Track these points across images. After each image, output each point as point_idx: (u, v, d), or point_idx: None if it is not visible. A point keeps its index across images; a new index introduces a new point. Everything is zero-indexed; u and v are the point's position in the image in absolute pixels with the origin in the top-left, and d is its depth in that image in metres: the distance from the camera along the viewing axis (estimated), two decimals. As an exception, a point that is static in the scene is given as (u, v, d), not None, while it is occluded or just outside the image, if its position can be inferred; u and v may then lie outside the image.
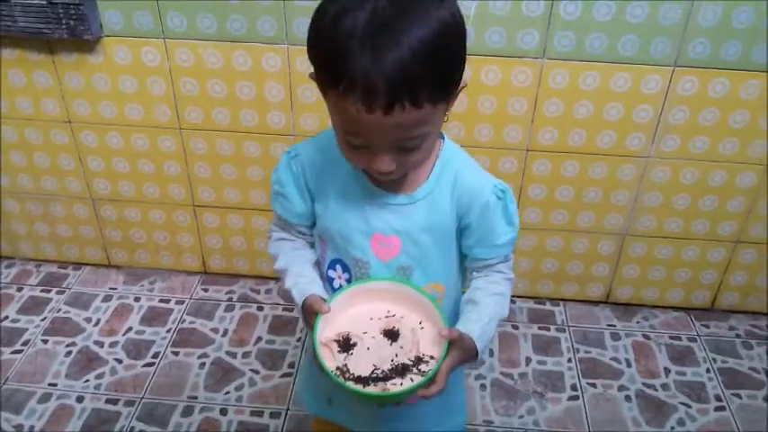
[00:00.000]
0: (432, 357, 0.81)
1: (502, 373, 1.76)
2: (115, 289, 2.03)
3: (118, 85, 1.72)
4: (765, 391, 1.74)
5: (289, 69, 1.65)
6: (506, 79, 1.61)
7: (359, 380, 0.79)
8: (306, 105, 1.70)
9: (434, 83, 0.73)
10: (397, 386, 0.79)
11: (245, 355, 1.80)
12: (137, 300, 1.99)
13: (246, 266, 2.06)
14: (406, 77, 0.70)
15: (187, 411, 1.63)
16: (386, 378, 0.79)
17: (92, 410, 1.63)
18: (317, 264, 0.98)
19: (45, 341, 1.83)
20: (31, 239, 2.08)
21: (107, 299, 1.99)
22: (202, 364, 1.76)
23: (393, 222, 0.89)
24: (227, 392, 1.68)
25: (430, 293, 0.89)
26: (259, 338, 1.85)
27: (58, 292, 2.01)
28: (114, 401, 1.65)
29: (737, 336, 1.92)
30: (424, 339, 0.83)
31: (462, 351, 0.84)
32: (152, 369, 1.75)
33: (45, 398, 1.66)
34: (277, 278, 2.05)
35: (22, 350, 1.80)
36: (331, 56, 0.73)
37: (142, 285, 2.05)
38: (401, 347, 0.83)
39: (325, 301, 0.87)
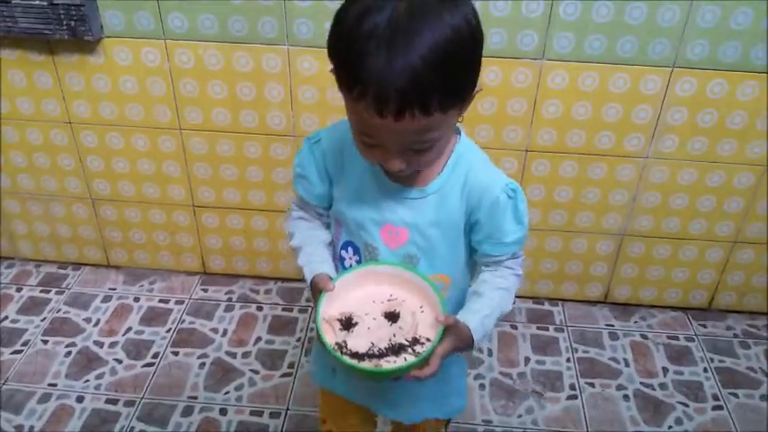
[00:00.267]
0: (428, 340, 0.83)
1: (501, 373, 1.77)
2: (115, 289, 2.03)
3: (118, 85, 1.73)
4: (762, 390, 1.75)
5: (289, 70, 1.65)
6: (506, 80, 1.62)
7: (355, 355, 0.82)
8: (306, 106, 1.71)
9: (445, 91, 0.73)
10: (390, 364, 0.82)
11: (245, 355, 1.80)
12: (136, 300, 1.99)
13: (246, 267, 2.06)
14: (416, 87, 0.71)
15: (187, 411, 1.63)
16: (381, 355, 0.82)
17: (92, 410, 1.63)
18: (331, 244, 1.01)
19: (45, 341, 1.83)
20: (30, 240, 2.08)
21: (107, 299, 1.99)
22: (202, 365, 1.77)
23: (404, 215, 0.92)
24: (227, 392, 1.69)
25: (438, 282, 0.91)
26: (258, 338, 1.86)
27: (57, 293, 2.01)
28: (114, 401, 1.65)
29: (735, 335, 1.93)
30: (423, 323, 0.86)
31: (458, 338, 0.86)
32: (152, 369, 1.75)
33: (45, 398, 1.66)
34: (276, 278, 2.06)
35: (21, 350, 1.80)
36: (347, 61, 0.74)
37: (142, 285, 2.05)
38: (400, 328, 0.86)
39: (331, 279, 0.89)
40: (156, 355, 1.79)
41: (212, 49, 1.64)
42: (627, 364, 1.81)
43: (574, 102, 1.64)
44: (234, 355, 1.80)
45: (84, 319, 1.91)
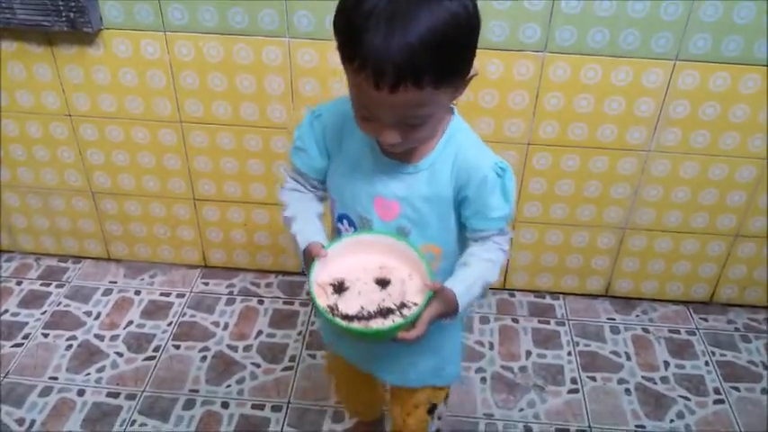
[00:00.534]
0: (415, 304, 0.88)
1: (502, 367, 1.77)
2: (115, 282, 2.03)
3: (118, 78, 1.72)
4: (763, 384, 1.75)
5: (290, 63, 1.65)
6: (508, 73, 1.61)
7: (346, 317, 0.87)
8: (307, 99, 1.70)
9: (438, 70, 0.78)
10: (378, 325, 0.87)
11: (246, 348, 1.80)
12: (137, 293, 1.99)
13: (246, 260, 2.06)
14: (411, 63, 0.75)
15: (188, 405, 1.63)
16: (370, 318, 0.87)
17: (93, 404, 1.63)
18: (322, 216, 1.05)
19: (45, 335, 1.83)
20: (30, 233, 2.08)
21: (107, 292, 1.99)
22: (203, 358, 1.77)
23: (396, 189, 0.96)
24: (229, 386, 1.69)
25: (425, 253, 0.95)
26: (260, 332, 1.85)
27: (57, 286, 2.01)
28: (115, 395, 1.65)
29: (736, 329, 1.93)
30: (411, 289, 0.91)
31: (444, 303, 0.91)
32: (153, 362, 1.75)
33: (46, 391, 1.66)
34: (277, 272, 2.06)
35: (22, 344, 1.80)
36: (349, 35, 0.79)
37: (142, 279, 2.05)
38: (389, 294, 0.91)
39: (324, 247, 0.93)
40: (157, 349, 1.79)
41: (212, 41, 1.64)
42: (628, 358, 1.81)
43: (576, 95, 1.64)
44: (235, 349, 1.80)
45: (84, 313, 1.91)
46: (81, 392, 1.66)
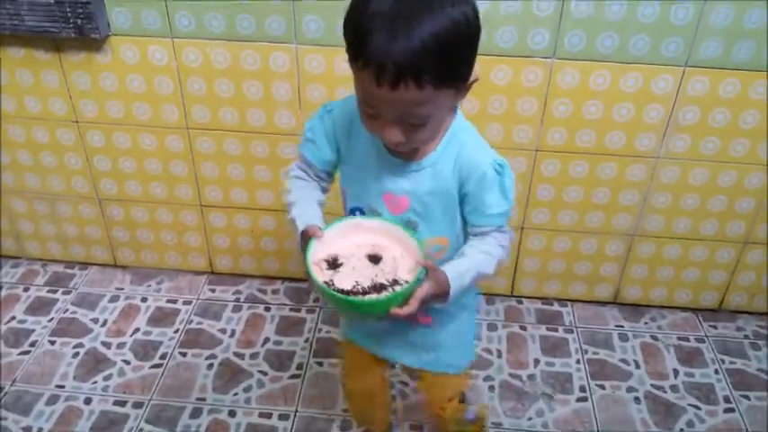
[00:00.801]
0: (406, 282, 0.92)
1: (510, 375, 1.75)
2: (122, 289, 2.03)
3: (125, 84, 1.72)
4: (774, 392, 1.74)
5: (297, 69, 1.64)
6: (516, 79, 1.60)
7: (341, 292, 0.90)
8: (314, 105, 1.69)
9: (438, 71, 0.82)
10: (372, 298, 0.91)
11: (253, 356, 1.79)
12: (144, 300, 1.98)
13: (253, 266, 2.05)
14: (412, 63, 0.80)
15: (196, 413, 1.62)
16: (364, 293, 0.91)
17: (100, 412, 1.62)
18: (323, 204, 1.09)
19: (52, 342, 1.82)
20: (37, 239, 2.07)
21: (114, 299, 1.99)
22: (210, 365, 1.76)
23: (403, 185, 1.01)
24: (236, 394, 1.68)
25: (434, 245, 1.03)
26: (267, 339, 1.85)
27: (64, 293, 2.01)
28: (122, 403, 1.65)
29: (745, 336, 1.91)
30: (403, 267, 0.95)
31: (435, 283, 0.94)
32: (160, 370, 1.74)
33: (53, 399, 1.65)
34: (283, 278, 2.06)
35: (29, 351, 1.79)
36: (355, 35, 0.83)
37: (149, 285, 2.04)
38: (381, 270, 0.95)
39: (321, 229, 0.97)
40: (164, 356, 1.79)
41: (219, 47, 1.63)
42: (637, 366, 1.80)
43: (584, 101, 1.63)
44: (242, 356, 1.79)
45: (91, 320, 1.90)
46: (88, 400, 1.65)
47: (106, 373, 1.73)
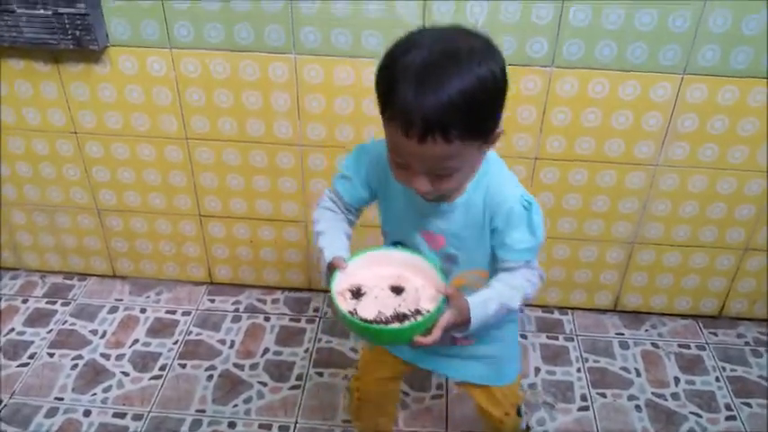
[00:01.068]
0: (428, 311, 0.93)
1: (511, 383, 1.75)
2: (121, 300, 2.02)
3: (124, 95, 1.72)
4: (776, 399, 1.73)
5: (296, 79, 1.64)
6: (515, 88, 1.60)
7: (364, 321, 0.92)
8: (313, 115, 1.69)
9: (465, 127, 0.85)
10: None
11: (253, 366, 1.78)
12: (143, 311, 1.98)
13: (253, 276, 2.05)
14: (439, 119, 0.83)
15: (195, 425, 1.61)
16: (387, 322, 0.93)
17: (99, 425, 1.61)
18: (349, 237, 1.12)
19: (51, 354, 1.81)
20: (36, 250, 2.07)
21: (113, 310, 1.98)
22: (210, 377, 1.75)
23: (438, 224, 1.04)
24: (236, 405, 1.67)
25: (474, 278, 1.07)
26: (266, 350, 1.84)
27: (63, 304, 2.00)
28: (122, 415, 1.64)
29: (746, 343, 1.91)
30: (425, 297, 0.96)
31: (457, 311, 0.96)
32: (159, 382, 1.73)
33: (52, 412, 1.64)
34: (283, 288, 2.05)
35: (28, 363, 1.78)
36: (386, 89, 0.87)
37: (148, 296, 2.03)
38: (404, 300, 0.96)
39: (345, 260, 1.00)
40: (163, 368, 1.78)
41: (218, 57, 1.63)
42: (638, 374, 1.79)
43: (583, 109, 1.63)
44: (242, 367, 1.78)
45: (90, 331, 1.90)
46: (87, 413, 1.64)
47: (105, 384, 1.72)
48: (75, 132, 1.80)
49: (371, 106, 1.65)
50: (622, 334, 1.93)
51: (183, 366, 1.78)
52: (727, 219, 1.78)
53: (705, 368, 1.82)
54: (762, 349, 1.89)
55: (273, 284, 2.06)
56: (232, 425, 1.61)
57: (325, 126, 1.71)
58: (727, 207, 1.76)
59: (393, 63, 0.86)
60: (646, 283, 1.93)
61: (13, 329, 1.89)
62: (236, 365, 1.79)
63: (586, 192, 1.76)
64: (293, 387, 1.72)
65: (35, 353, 1.82)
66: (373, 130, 1.68)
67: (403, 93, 0.83)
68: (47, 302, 2.00)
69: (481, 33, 0.89)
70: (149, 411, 1.65)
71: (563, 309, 2.01)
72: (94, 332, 1.89)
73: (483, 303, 0.99)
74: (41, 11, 1.56)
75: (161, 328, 1.91)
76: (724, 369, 1.82)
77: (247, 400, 1.68)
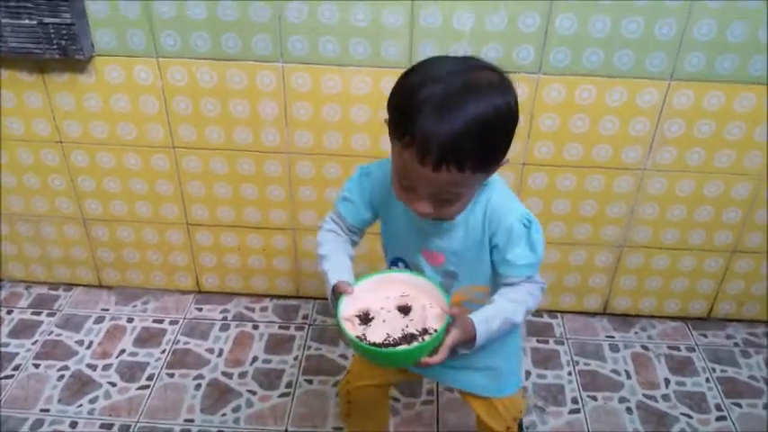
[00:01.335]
0: (435, 330, 0.94)
1: (502, 389, 1.75)
2: (107, 310, 2.00)
3: (110, 104, 1.70)
4: (765, 399, 1.74)
5: (284, 87, 1.64)
6: (502, 94, 1.60)
7: (374, 345, 0.93)
8: (300, 123, 1.69)
9: (478, 156, 0.88)
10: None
11: (242, 375, 1.77)
12: (130, 320, 1.96)
13: (240, 284, 2.03)
14: (456, 147, 0.85)
15: (185, 435, 1.60)
16: (396, 344, 0.93)
17: (87, 436, 1.60)
18: (352, 259, 1.13)
19: (36, 365, 1.79)
20: (20, 261, 2.04)
21: (99, 320, 1.96)
22: (198, 386, 1.74)
23: (437, 241, 1.06)
24: (224, 414, 1.66)
25: (475, 293, 1.08)
26: (255, 358, 1.83)
27: (48, 315, 1.97)
28: (109, 426, 1.62)
29: (735, 344, 1.92)
30: (432, 316, 0.97)
31: (463, 330, 0.97)
32: (147, 392, 1.72)
33: (37, 424, 1.62)
34: (271, 296, 2.04)
35: (12, 375, 1.76)
36: (403, 115, 0.88)
37: (135, 306, 2.02)
38: (411, 320, 0.97)
39: (350, 285, 1.00)
40: (150, 377, 1.76)
41: (205, 66, 1.62)
42: (628, 376, 1.80)
43: (570, 115, 1.63)
44: (230, 376, 1.77)
45: (76, 342, 1.87)
46: (73, 424, 1.62)
47: (92, 395, 1.71)
48: (61, 142, 1.78)
49: (359, 114, 1.65)
50: (612, 337, 1.94)
51: (171, 376, 1.77)
52: (715, 222, 1.80)
53: (695, 369, 1.83)
54: (751, 350, 1.90)
55: (262, 292, 2.05)
56: (222, 435, 1.61)
57: (313, 134, 1.70)
58: (714, 210, 1.78)
59: (411, 93, 0.88)
60: (635, 286, 1.94)
61: (-2, 341, 1.87)
62: (224, 374, 1.77)
63: (575, 196, 1.77)
64: (283, 395, 1.71)
65: (20, 364, 1.79)
66: (360, 137, 1.68)
67: (422, 121, 0.85)
68: (32, 313, 1.98)
69: (496, 67, 0.92)
70: (137, 422, 1.63)
71: (553, 312, 2.02)
72: (80, 343, 1.87)
73: (487, 320, 1.00)
74: (26, 21, 1.54)
75: (148, 338, 1.89)
76: (714, 370, 1.83)
77: (236, 409, 1.67)
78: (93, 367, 1.79)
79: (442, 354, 0.94)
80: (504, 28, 1.52)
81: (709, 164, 1.69)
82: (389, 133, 0.94)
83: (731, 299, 1.95)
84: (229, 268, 2.00)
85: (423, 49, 1.55)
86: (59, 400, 1.69)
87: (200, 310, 2.01)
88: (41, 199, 1.90)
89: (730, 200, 1.75)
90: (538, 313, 2.01)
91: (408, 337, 0.94)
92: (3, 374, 1.76)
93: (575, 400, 1.72)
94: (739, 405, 1.72)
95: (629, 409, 1.70)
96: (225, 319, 1.97)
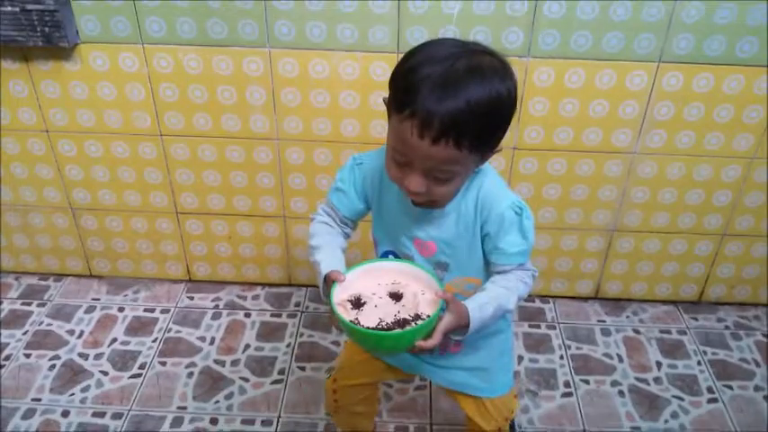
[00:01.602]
0: (428, 316, 0.94)
1: (494, 374, 1.75)
2: (98, 300, 1.99)
3: (96, 92, 1.69)
4: (756, 381, 1.75)
5: (271, 72, 1.62)
6: (492, 78, 1.60)
7: (367, 329, 0.93)
8: (289, 108, 1.68)
9: (476, 134, 0.89)
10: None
11: (234, 363, 1.77)
12: (120, 310, 1.95)
13: (232, 273, 2.03)
14: (456, 123, 0.86)
15: (176, 422, 1.60)
16: (388, 329, 0.94)
17: (78, 425, 1.59)
18: (344, 251, 1.13)
19: (27, 355, 1.79)
20: (9, 251, 2.03)
21: (90, 310, 1.95)
22: (190, 374, 1.74)
23: (429, 231, 1.06)
24: (217, 401, 1.66)
25: (466, 285, 1.08)
26: (247, 346, 1.83)
27: (39, 305, 1.97)
28: (101, 414, 1.62)
29: (726, 327, 1.93)
30: (424, 302, 0.97)
31: (457, 315, 0.97)
32: (139, 380, 1.72)
33: (29, 413, 1.62)
34: (263, 284, 2.04)
35: (3, 365, 1.75)
36: (407, 88, 0.89)
37: (126, 295, 2.01)
38: (403, 306, 0.98)
39: (342, 273, 1.01)
40: (142, 366, 1.76)
41: (192, 52, 1.61)
42: (620, 360, 1.80)
43: (560, 99, 1.63)
44: (223, 364, 1.77)
45: (67, 331, 1.87)
46: (65, 413, 1.62)
47: (84, 384, 1.70)
48: (47, 131, 1.77)
49: (348, 99, 1.63)
50: (604, 321, 1.94)
51: (164, 364, 1.76)
52: (705, 205, 1.79)
53: (686, 352, 1.84)
54: (742, 332, 1.91)
55: (253, 280, 2.04)
56: (214, 421, 1.60)
57: (302, 120, 1.69)
58: (704, 193, 1.77)
59: (414, 69, 0.89)
60: (626, 271, 1.94)
61: (-12, 332, 1.86)
62: (216, 362, 1.77)
63: (565, 181, 1.76)
64: (275, 382, 1.71)
65: (11, 354, 1.79)
66: (350, 122, 1.67)
67: (425, 95, 0.86)
68: (22, 304, 1.97)
69: (498, 53, 0.93)
70: (129, 410, 1.63)
71: (544, 297, 2.02)
72: (71, 332, 1.87)
73: (480, 307, 1.00)
74: (9, 8, 1.52)
75: (140, 327, 1.89)
76: (705, 353, 1.84)
77: (229, 396, 1.67)
78: (84, 356, 1.79)
79: (435, 338, 0.95)
80: (493, 11, 1.50)
81: (699, 146, 1.69)
82: (388, 109, 0.94)
83: (722, 282, 1.95)
84: (220, 257, 1.99)
85: (411, 33, 1.54)
86: (51, 390, 1.69)
87: (191, 298, 2.00)
88: (29, 189, 1.88)
89: (720, 183, 1.75)
90: (530, 298, 2.01)
91: (401, 322, 0.94)
92: (-7, 365, 1.76)
93: (567, 384, 1.73)
94: (730, 387, 1.73)
95: (621, 393, 1.71)
96: (217, 307, 1.97)
